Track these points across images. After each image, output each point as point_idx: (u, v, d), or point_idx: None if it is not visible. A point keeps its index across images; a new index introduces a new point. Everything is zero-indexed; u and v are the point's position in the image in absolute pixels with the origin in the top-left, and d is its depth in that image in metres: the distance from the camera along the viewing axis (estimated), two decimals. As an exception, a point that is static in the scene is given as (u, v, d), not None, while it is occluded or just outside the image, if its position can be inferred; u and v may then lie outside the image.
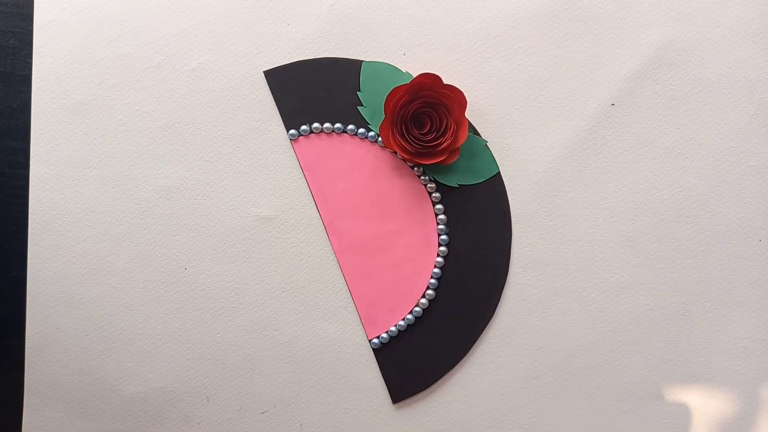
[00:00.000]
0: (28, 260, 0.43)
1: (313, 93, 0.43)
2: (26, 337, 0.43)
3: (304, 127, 0.43)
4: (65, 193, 0.43)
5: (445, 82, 0.43)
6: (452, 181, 0.43)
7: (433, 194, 0.43)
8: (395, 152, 0.43)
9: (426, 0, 0.44)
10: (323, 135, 0.44)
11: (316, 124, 0.43)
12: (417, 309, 0.43)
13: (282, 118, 0.43)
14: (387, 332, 0.43)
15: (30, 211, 0.43)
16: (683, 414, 0.44)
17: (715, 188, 0.44)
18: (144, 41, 0.44)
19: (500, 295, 0.43)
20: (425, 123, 0.41)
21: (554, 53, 0.44)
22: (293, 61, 0.44)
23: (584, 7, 0.44)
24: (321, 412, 0.43)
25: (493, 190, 0.43)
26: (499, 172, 0.44)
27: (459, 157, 0.43)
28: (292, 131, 0.43)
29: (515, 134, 0.44)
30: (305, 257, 0.43)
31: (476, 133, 0.44)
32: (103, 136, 0.43)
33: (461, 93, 0.41)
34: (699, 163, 0.44)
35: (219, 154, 0.44)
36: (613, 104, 0.44)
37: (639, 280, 0.44)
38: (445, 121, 0.41)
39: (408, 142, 0.41)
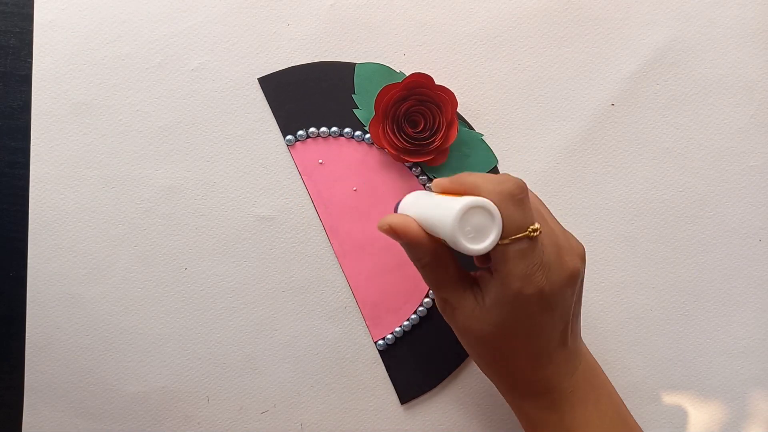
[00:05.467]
0: (28, 260, 0.43)
1: (308, 98, 0.43)
2: (26, 337, 0.43)
3: (300, 132, 0.43)
4: (65, 193, 0.43)
5: (444, 82, 0.43)
6: (452, 181, 0.43)
7: (433, 194, 0.43)
8: (383, 149, 0.42)
9: (426, 0, 0.44)
10: (320, 139, 0.44)
11: (312, 129, 0.43)
12: (421, 309, 0.43)
13: (278, 124, 0.43)
14: (392, 333, 0.43)
15: (30, 211, 0.43)
16: (683, 414, 0.44)
17: (715, 188, 0.44)
18: (144, 41, 0.44)
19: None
20: (419, 122, 0.42)
21: (554, 53, 0.44)
22: (294, 61, 0.44)
23: (584, 7, 0.44)
24: (321, 412, 0.43)
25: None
26: (497, 164, 0.44)
27: (457, 154, 0.43)
28: (288, 137, 0.43)
29: (515, 134, 0.44)
30: (305, 257, 0.43)
31: (470, 127, 0.44)
32: (103, 136, 0.43)
33: (453, 94, 0.41)
34: (699, 163, 0.44)
35: (219, 154, 0.44)
36: (613, 104, 0.44)
37: (639, 280, 0.44)
38: (438, 120, 0.41)
39: (398, 138, 0.41)
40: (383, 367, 0.43)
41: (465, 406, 0.43)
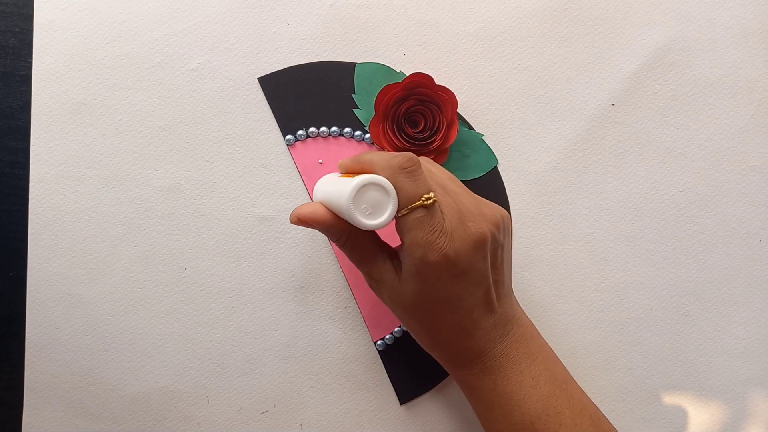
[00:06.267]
0: (28, 260, 0.43)
1: (308, 97, 0.43)
2: (26, 337, 0.43)
3: (300, 132, 0.43)
4: (65, 193, 0.43)
5: (444, 82, 0.43)
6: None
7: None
8: (384, 149, 0.42)
9: (426, 0, 0.44)
10: (320, 139, 0.44)
11: (312, 129, 0.43)
12: (417, 309, 0.43)
13: (278, 123, 0.43)
14: (391, 333, 0.43)
15: (30, 211, 0.43)
16: (683, 414, 0.44)
17: (715, 188, 0.44)
18: (144, 41, 0.44)
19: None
20: (419, 121, 0.42)
21: (554, 53, 0.44)
22: (293, 61, 0.44)
23: (584, 7, 0.44)
24: (321, 412, 0.43)
25: (492, 184, 0.44)
26: (497, 164, 0.44)
27: (457, 154, 0.43)
28: (288, 136, 0.43)
29: (515, 134, 0.44)
30: (305, 257, 0.43)
31: (470, 127, 0.44)
32: (103, 136, 0.43)
33: (453, 94, 0.41)
34: (699, 163, 0.44)
35: (219, 154, 0.44)
36: (613, 104, 0.44)
37: (639, 280, 0.44)
38: (438, 120, 0.41)
39: (398, 138, 0.41)
40: (383, 367, 0.43)
41: (464, 406, 0.43)
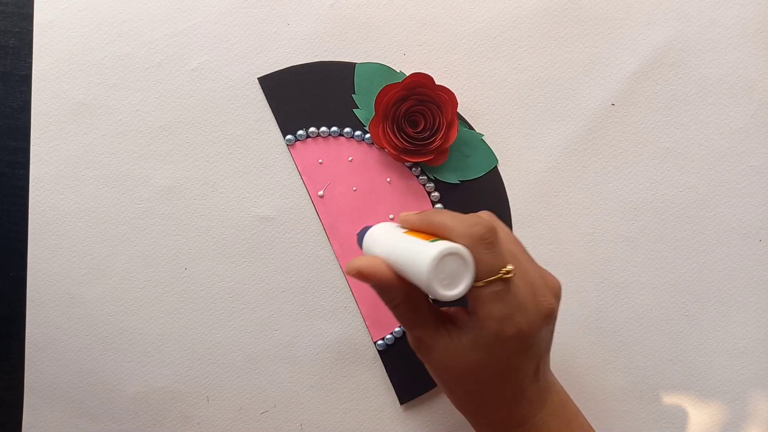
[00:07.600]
0: (28, 260, 0.43)
1: (308, 97, 0.43)
2: (26, 337, 0.43)
3: (300, 132, 0.43)
4: (65, 193, 0.43)
5: (444, 82, 0.43)
6: (453, 178, 0.43)
7: (432, 194, 0.43)
8: (383, 148, 0.42)
9: (426, 0, 0.44)
10: (320, 139, 0.44)
11: (312, 129, 0.43)
12: (418, 309, 0.43)
13: (278, 123, 0.43)
14: (391, 333, 0.43)
15: (30, 211, 0.43)
16: (683, 414, 0.44)
17: (715, 188, 0.44)
18: (144, 41, 0.44)
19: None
20: (419, 122, 0.42)
21: (554, 53, 0.44)
22: (294, 61, 0.44)
23: (584, 7, 0.44)
24: (321, 412, 0.43)
25: (492, 184, 0.44)
26: (497, 164, 0.44)
27: (457, 154, 0.43)
28: (288, 136, 0.43)
29: (515, 134, 0.44)
30: (305, 257, 0.43)
31: (470, 127, 0.44)
32: (103, 136, 0.43)
33: (453, 94, 0.41)
34: (699, 163, 0.44)
35: (219, 154, 0.44)
36: (613, 104, 0.44)
37: (639, 280, 0.44)
38: (438, 120, 0.41)
39: (398, 138, 0.41)
40: (383, 367, 0.43)
41: (465, 406, 0.43)
